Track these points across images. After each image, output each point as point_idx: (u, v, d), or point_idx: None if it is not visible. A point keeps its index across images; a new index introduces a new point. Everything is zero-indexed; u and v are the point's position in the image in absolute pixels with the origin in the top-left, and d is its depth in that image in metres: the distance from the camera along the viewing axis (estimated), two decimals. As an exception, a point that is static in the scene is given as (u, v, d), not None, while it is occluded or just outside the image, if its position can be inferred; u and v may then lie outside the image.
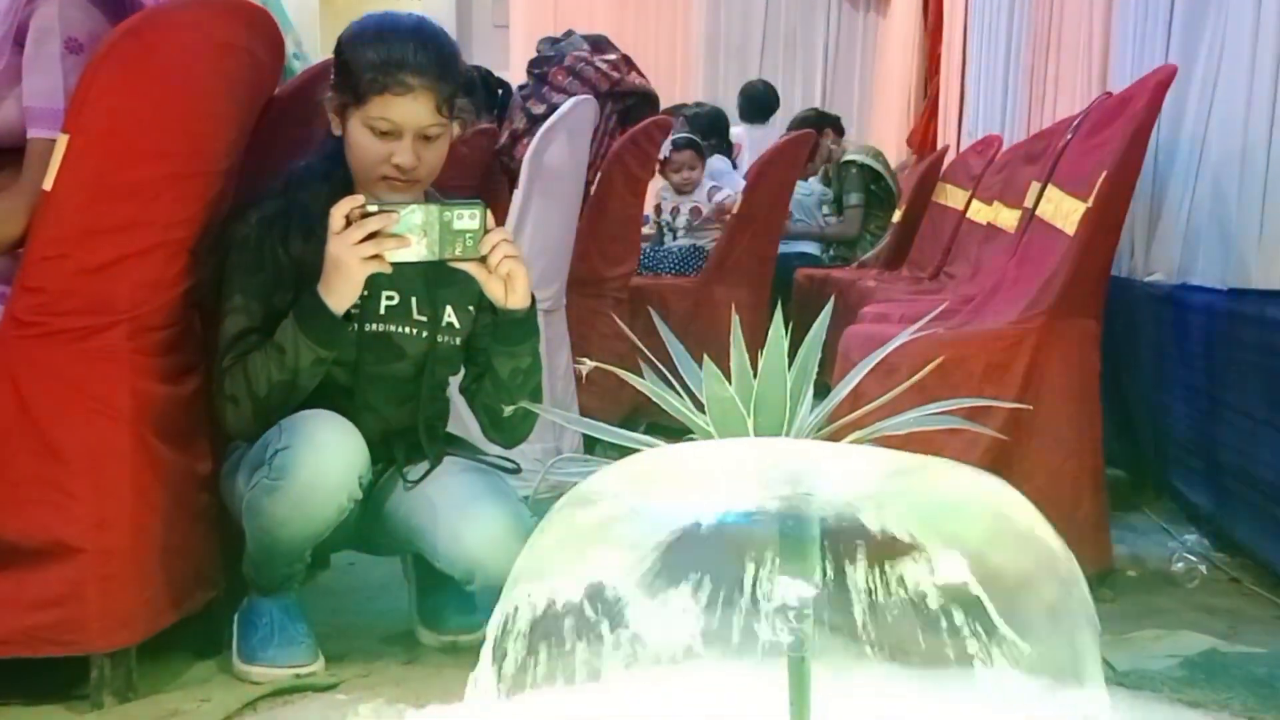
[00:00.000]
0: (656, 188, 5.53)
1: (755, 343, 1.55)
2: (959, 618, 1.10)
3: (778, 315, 1.74)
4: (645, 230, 5.38)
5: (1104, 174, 2.50)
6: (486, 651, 1.24)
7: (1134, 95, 2.65)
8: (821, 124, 7.09)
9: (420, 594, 2.27)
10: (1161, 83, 2.51)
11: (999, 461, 2.43)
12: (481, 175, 4.38)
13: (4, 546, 1.82)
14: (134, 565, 1.89)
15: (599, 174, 4.14)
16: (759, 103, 7.60)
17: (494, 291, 1.98)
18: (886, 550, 1.05)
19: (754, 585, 1.07)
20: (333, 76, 2.05)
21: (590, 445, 3.64)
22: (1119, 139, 2.54)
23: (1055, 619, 1.19)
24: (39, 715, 1.85)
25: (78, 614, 1.84)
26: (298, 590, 2.11)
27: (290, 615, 2.07)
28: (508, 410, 2.07)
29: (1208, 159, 3.02)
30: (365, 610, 2.41)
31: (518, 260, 1.98)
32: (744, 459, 1.16)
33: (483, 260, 1.94)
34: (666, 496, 1.10)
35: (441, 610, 2.23)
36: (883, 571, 1.05)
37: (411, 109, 1.99)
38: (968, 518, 1.09)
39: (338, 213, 1.89)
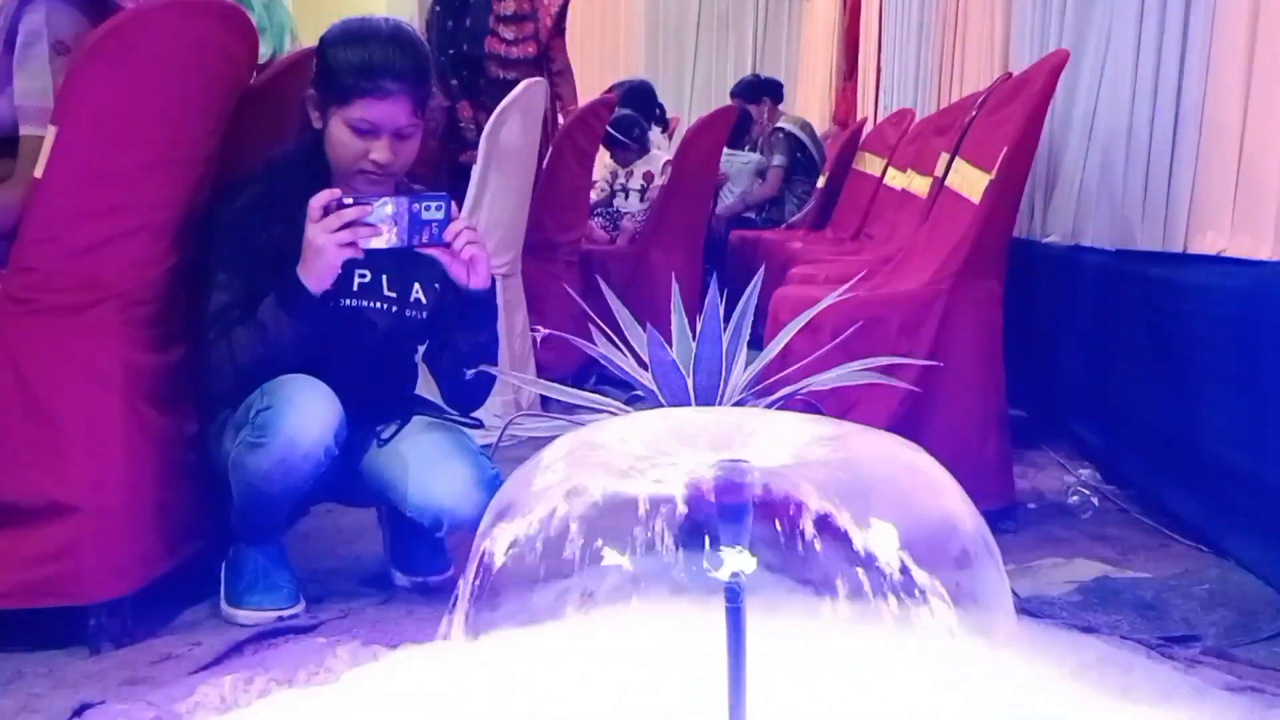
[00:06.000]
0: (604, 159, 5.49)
1: (689, 300, 1.54)
2: (880, 564, 1.10)
3: (713, 285, 1.73)
4: (596, 195, 5.35)
5: (1005, 149, 2.49)
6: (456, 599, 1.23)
7: (1031, 77, 2.64)
8: (759, 91, 7.06)
9: (393, 539, 2.25)
10: (1055, 67, 2.51)
11: (915, 409, 2.43)
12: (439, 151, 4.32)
13: (5, 507, 1.79)
14: (126, 521, 1.86)
15: (551, 149, 4.10)
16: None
17: (457, 274, 1.97)
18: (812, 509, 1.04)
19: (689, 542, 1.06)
20: (314, 75, 2.01)
21: (546, 399, 3.62)
22: (1018, 117, 2.53)
23: (965, 562, 1.18)
24: (42, 660, 1.82)
25: (76, 567, 1.81)
26: (281, 538, 2.09)
27: (274, 562, 2.04)
28: (470, 373, 2.05)
29: (1098, 133, 3.03)
30: (343, 554, 2.38)
31: (480, 246, 1.97)
32: (684, 428, 1.14)
33: (448, 246, 1.93)
34: (614, 462, 1.08)
35: (413, 554, 2.21)
36: (809, 528, 1.04)
37: (390, 111, 1.96)
38: (882, 477, 1.08)
39: (316, 204, 1.87)
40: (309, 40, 2.34)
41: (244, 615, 1.99)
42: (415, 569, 2.20)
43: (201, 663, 1.75)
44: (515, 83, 4.08)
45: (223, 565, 2.06)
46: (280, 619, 1.97)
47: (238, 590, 2.02)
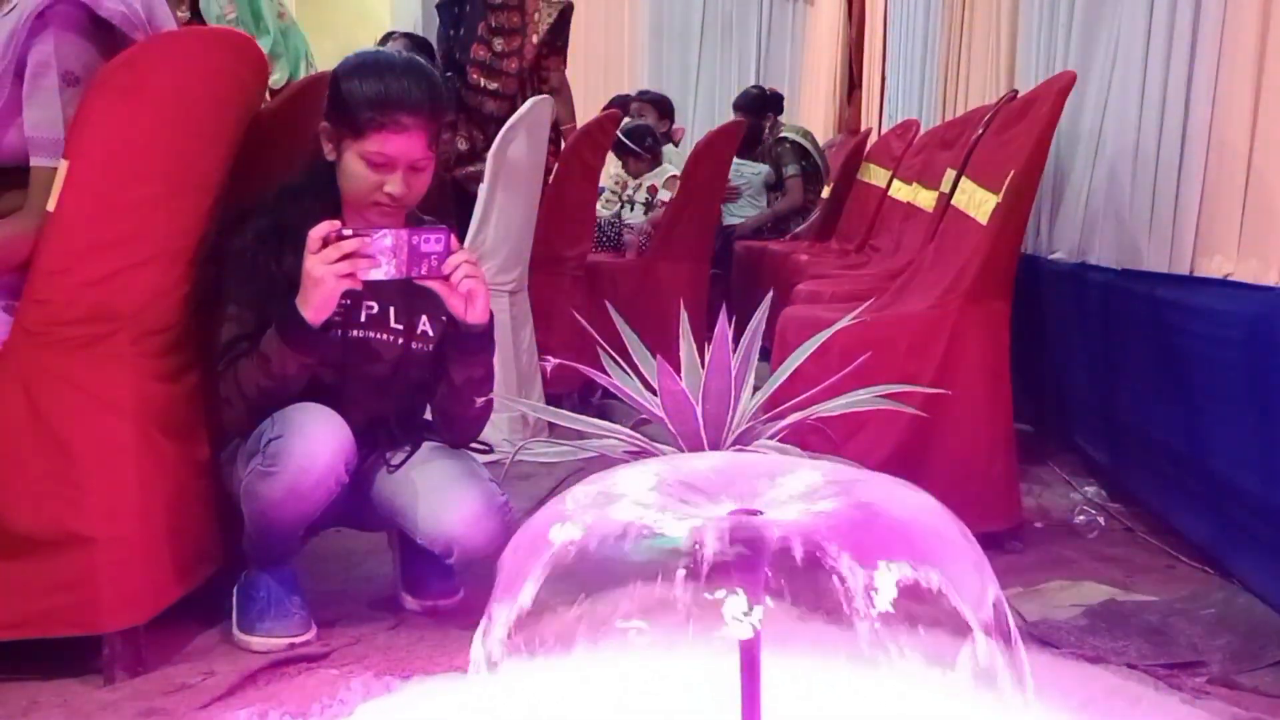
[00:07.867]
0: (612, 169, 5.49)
1: (694, 311, 1.54)
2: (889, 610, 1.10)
3: (722, 315, 1.73)
4: (602, 204, 5.34)
5: (1012, 172, 2.49)
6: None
7: (1039, 99, 2.64)
8: (762, 106, 7.01)
9: (403, 563, 2.25)
10: (1063, 89, 2.51)
11: (922, 430, 2.44)
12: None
13: (20, 537, 1.79)
14: (141, 550, 1.87)
15: (557, 164, 4.11)
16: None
17: (455, 307, 1.97)
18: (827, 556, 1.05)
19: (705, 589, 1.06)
20: (328, 107, 2.01)
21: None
22: (1026, 140, 2.54)
23: (974, 608, 1.19)
24: (56, 690, 1.82)
25: (90, 597, 1.81)
26: (292, 563, 2.09)
27: (285, 588, 2.05)
28: (479, 402, 2.06)
29: (1104, 151, 3.03)
30: (353, 576, 2.38)
31: (479, 280, 1.97)
32: (698, 475, 1.15)
33: (446, 279, 1.93)
34: (630, 510, 1.09)
35: (423, 578, 2.21)
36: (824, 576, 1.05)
37: (406, 145, 1.96)
38: (896, 527, 1.09)
39: (315, 235, 1.88)
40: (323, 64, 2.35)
41: (256, 642, 1.99)
42: (425, 593, 2.21)
43: (215, 694, 1.75)
44: (495, 93, 4.08)
45: (235, 590, 2.07)
46: (292, 646, 1.98)
47: (250, 616, 2.02)
